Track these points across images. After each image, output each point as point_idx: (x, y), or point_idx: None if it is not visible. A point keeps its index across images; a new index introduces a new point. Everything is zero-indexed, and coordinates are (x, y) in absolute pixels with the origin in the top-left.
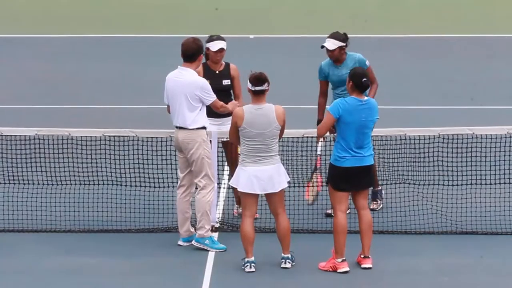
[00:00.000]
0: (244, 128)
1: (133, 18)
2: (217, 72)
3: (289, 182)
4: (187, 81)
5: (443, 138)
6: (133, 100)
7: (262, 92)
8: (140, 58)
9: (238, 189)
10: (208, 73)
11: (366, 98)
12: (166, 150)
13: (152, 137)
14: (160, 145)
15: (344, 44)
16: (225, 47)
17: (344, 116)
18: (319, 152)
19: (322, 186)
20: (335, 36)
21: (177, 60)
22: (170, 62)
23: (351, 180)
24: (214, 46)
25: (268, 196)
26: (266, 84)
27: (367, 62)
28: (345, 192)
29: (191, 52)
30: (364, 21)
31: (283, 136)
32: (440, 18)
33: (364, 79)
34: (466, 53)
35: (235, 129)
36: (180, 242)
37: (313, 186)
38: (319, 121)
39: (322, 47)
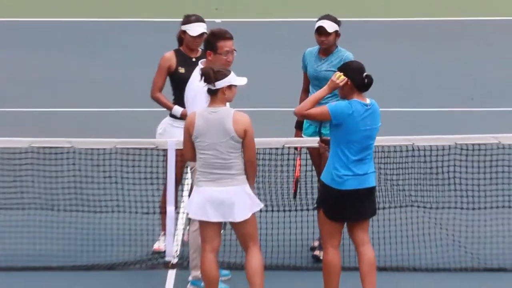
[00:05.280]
0: (196, 138)
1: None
2: (193, 59)
3: (261, 209)
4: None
5: (461, 149)
6: (70, 101)
7: (211, 92)
8: (92, 49)
9: (189, 215)
10: (182, 61)
11: (368, 100)
12: (110, 165)
13: (92, 149)
14: (102, 159)
15: (340, 31)
16: (206, 31)
17: (348, 125)
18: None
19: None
20: (331, 18)
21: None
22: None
23: (352, 207)
24: (194, 30)
25: (234, 225)
26: (212, 84)
27: None
28: (341, 222)
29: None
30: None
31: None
32: None
33: (365, 73)
34: (487, 39)
35: (188, 138)
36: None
37: (298, 179)
38: (297, 123)
39: (319, 28)
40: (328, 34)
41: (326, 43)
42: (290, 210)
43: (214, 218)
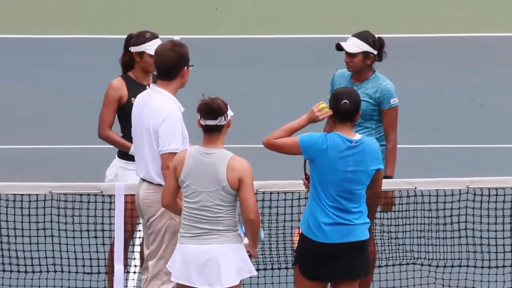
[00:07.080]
0: (182, 181)
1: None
2: (147, 86)
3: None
4: (153, 108)
5: (474, 194)
6: None
7: (216, 129)
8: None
9: (171, 278)
10: (134, 90)
11: (358, 136)
12: (45, 215)
13: (22, 194)
14: (35, 207)
15: (373, 53)
16: None
17: (321, 162)
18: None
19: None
20: (362, 35)
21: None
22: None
23: (332, 263)
24: (153, 48)
25: None
26: (222, 117)
27: (394, 100)
28: (320, 283)
29: (168, 65)
30: (366, 21)
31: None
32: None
33: (344, 100)
34: (505, 58)
35: (173, 179)
36: None
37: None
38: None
39: (338, 46)
40: (351, 55)
41: (351, 66)
42: (265, 269)
43: (198, 283)
